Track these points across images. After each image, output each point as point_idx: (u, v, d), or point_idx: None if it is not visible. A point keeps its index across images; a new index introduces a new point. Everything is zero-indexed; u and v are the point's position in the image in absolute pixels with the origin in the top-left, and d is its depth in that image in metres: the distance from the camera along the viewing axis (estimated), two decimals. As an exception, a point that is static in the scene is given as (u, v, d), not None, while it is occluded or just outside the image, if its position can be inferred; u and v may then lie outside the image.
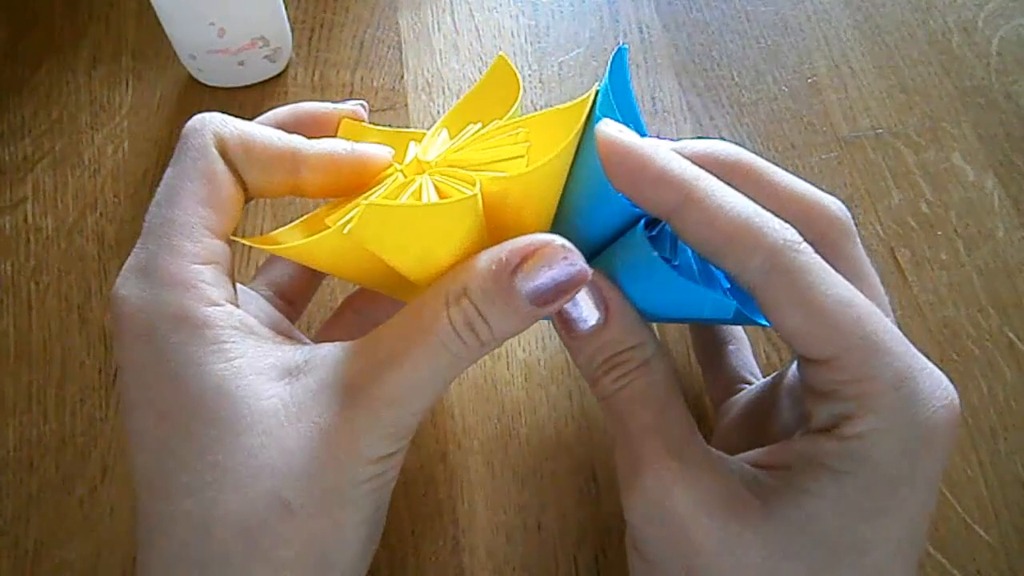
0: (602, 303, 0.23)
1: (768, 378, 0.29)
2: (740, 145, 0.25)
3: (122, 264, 0.23)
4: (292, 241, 0.24)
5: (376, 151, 0.25)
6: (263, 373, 0.22)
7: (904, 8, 0.44)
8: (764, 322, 0.23)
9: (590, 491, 0.32)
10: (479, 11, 0.44)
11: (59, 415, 0.33)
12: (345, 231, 0.21)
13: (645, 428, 0.23)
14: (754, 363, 0.32)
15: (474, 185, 0.22)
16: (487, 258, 0.22)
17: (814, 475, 0.21)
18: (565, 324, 0.24)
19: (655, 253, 0.22)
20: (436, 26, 0.44)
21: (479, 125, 0.26)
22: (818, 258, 0.21)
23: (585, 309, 0.23)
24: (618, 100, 0.24)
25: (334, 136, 0.27)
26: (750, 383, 0.31)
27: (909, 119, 0.41)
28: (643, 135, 0.23)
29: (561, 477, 0.32)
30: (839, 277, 0.21)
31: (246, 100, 0.41)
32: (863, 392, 0.21)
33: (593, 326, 0.23)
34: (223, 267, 0.23)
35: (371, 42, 0.43)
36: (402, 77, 0.42)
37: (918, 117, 0.41)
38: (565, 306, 0.23)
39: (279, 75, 0.42)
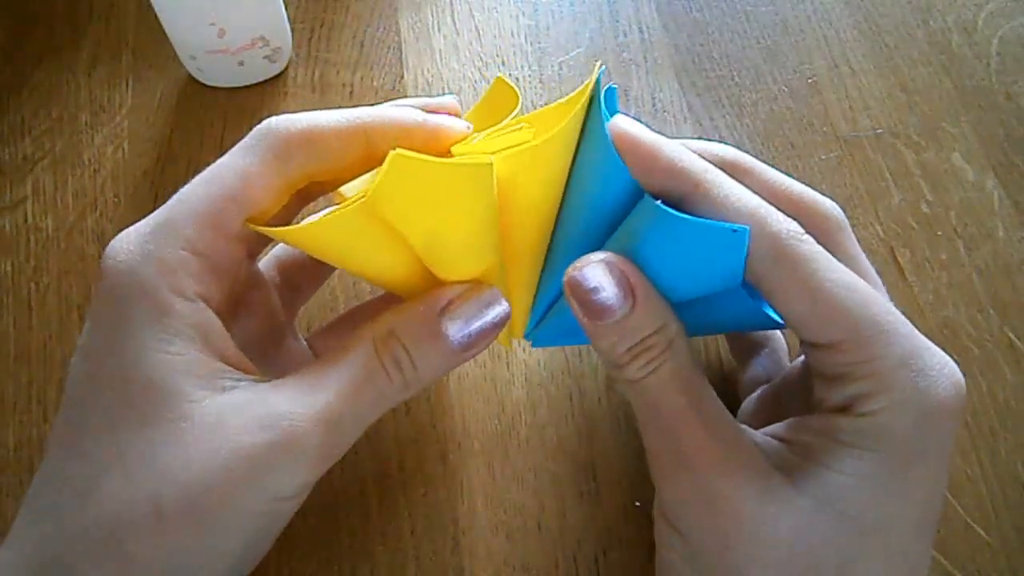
0: (628, 289, 0.23)
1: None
2: (740, 145, 0.25)
3: None
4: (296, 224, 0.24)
5: (450, 123, 0.25)
6: (199, 377, 0.21)
7: (904, 8, 0.44)
8: (776, 316, 0.24)
9: (590, 491, 0.32)
10: (479, 11, 0.44)
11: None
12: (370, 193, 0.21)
13: (680, 412, 0.23)
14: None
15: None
16: (414, 301, 0.23)
17: (835, 453, 0.22)
18: (590, 312, 0.23)
19: (658, 202, 0.22)
20: (436, 26, 0.44)
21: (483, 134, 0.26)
22: (820, 247, 0.22)
23: (612, 296, 0.23)
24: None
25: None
26: None
27: (909, 119, 0.41)
28: None
29: (561, 477, 0.32)
30: (841, 264, 0.22)
31: (246, 100, 0.41)
32: (874, 371, 0.21)
33: (620, 313, 0.23)
34: (219, 262, 0.23)
35: (371, 42, 0.43)
36: (402, 77, 0.42)
37: (918, 117, 0.41)
38: (592, 295, 0.23)
39: (279, 75, 0.42)
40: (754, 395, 0.30)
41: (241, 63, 0.40)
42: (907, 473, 0.21)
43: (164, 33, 0.39)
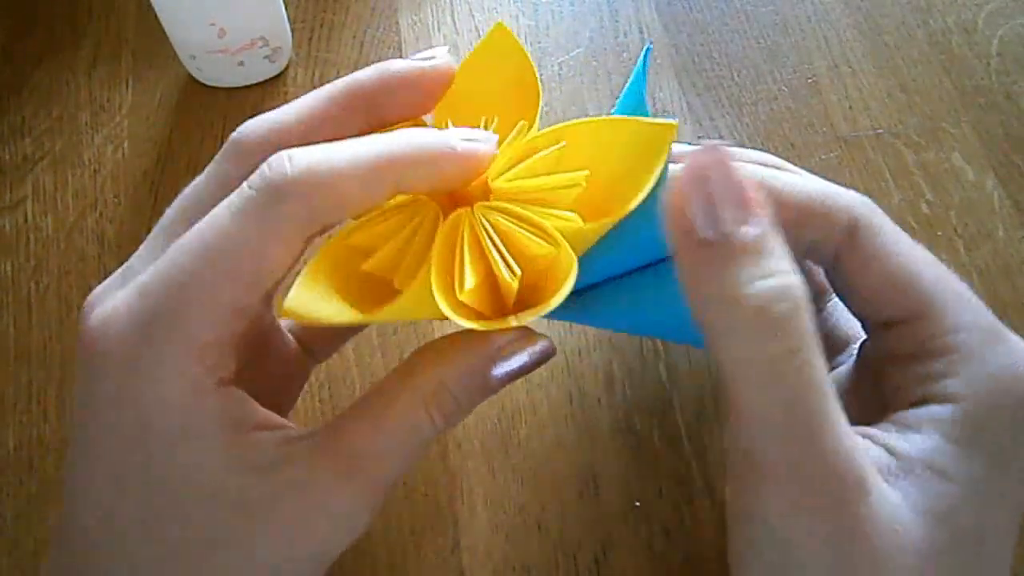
0: (752, 206, 0.18)
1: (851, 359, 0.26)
2: (740, 145, 0.25)
3: (121, 264, 0.22)
4: (337, 314, 0.20)
5: (482, 147, 0.21)
6: (235, 473, 0.19)
7: (904, 8, 0.44)
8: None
9: (590, 491, 0.32)
10: (479, 11, 0.44)
11: (59, 415, 0.33)
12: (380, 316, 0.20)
13: (815, 413, 0.18)
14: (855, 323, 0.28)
15: (529, 235, 0.21)
16: (465, 350, 0.21)
17: (936, 454, 0.19)
18: (717, 211, 0.18)
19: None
20: (436, 26, 0.44)
21: (496, 124, 0.23)
22: (891, 221, 0.22)
23: (752, 193, 0.18)
24: (631, 98, 0.24)
25: (425, 101, 0.23)
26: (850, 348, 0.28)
27: (909, 119, 0.41)
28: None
29: (561, 477, 0.32)
30: (912, 240, 0.22)
31: (246, 100, 0.41)
32: (958, 344, 0.19)
33: (751, 236, 0.17)
34: (239, 334, 0.20)
35: (371, 42, 0.43)
36: (402, 77, 0.42)
37: (918, 117, 0.41)
38: (698, 210, 0.18)
39: (279, 75, 0.42)
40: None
41: (241, 63, 0.40)
42: (1007, 472, 0.19)
43: (164, 33, 0.39)
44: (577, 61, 0.43)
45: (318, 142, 0.20)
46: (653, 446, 0.32)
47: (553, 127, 0.23)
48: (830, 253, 0.22)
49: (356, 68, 0.42)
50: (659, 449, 0.32)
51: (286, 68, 0.42)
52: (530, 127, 0.23)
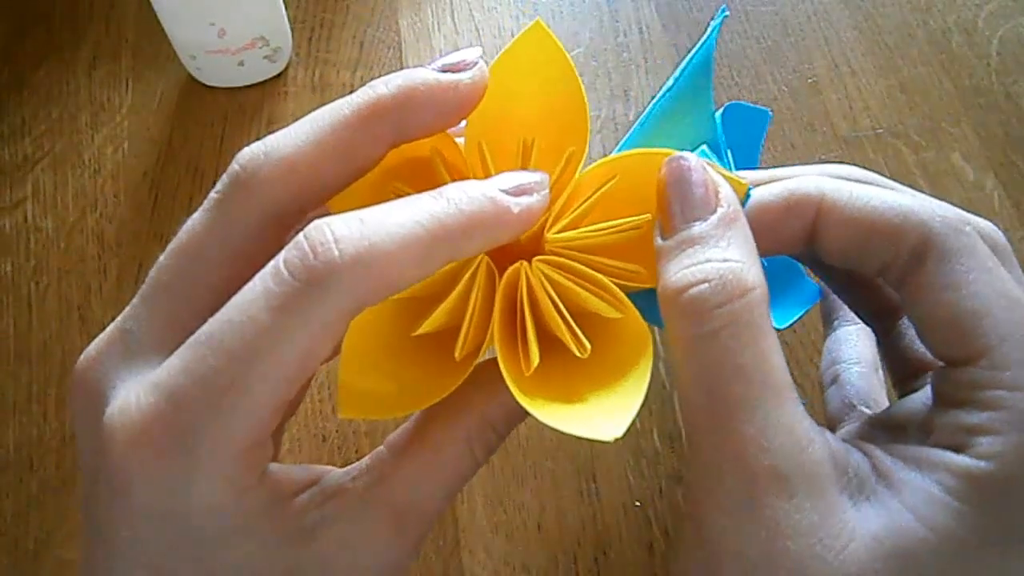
0: (713, 193, 0.19)
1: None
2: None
3: (121, 266, 0.21)
4: (398, 407, 0.20)
5: (537, 203, 0.18)
6: (285, 547, 0.19)
7: (904, 8, 0.44)
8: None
9: (590, 491, 0.32)
10: (479, 11, 0.44)
11: (59, 415, 0.33)
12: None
13: (734, 399, 0.17)
14: (879, 392, 0.27)
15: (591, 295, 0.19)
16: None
17: (925, 495, 0.17)
18: (670, 215, 0.19)
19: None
20: (436, 26, 0.44)
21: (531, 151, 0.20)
22: (982, 243, 0.19)
23: (702, 193, 0.18)
24: (693, 91, 0.22)
25: (453, 118, 0.20)
26: (862, 412, 0.26)
27: (909, 119, 0.41)
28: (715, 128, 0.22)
29: (561, 477, 0.32)
30: (1004, 271, 0.19)
31: (246, 100, 0.41)
32: (1010, 403, 0.17)
33: (695, 231, 0.18)
34: (279, 421, 0.18)
35: (371, 42, 0.43)
36: (402, 77, 0.42)
37: (918, 117, 0.41)
38: (675, 191, 0.19)
39: (279, 75, 0.42)
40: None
41: (241, 63, 0.40)
42: (1007, 553, 0.17)
43: (164, 33, 0.39)
44: (577, 61, 0.43)
45: (331, 171, 0.18)
46: (653, 446, 0.32)
47: (606, 160, 0.20)
48: (895, 276, 0.19)
49: (356, 68, 0.42)
50: (659, 449, 0.32)
51: (286, 68, 0.42)
52: (579, 159, 0.20)
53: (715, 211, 0.18)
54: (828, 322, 0.30)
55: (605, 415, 0.18)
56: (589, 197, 0.20)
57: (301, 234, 0.16)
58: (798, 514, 0.17)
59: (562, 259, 0.19)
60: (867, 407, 0.26)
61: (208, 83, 0.41)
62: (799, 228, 0.20)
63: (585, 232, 0.19)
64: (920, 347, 0.24)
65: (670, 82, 0.21)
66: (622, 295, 0.19)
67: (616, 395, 0.19)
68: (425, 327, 0.19)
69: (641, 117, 0.22)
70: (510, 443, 0.32)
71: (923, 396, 0.21)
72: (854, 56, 0.43)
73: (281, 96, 0.41)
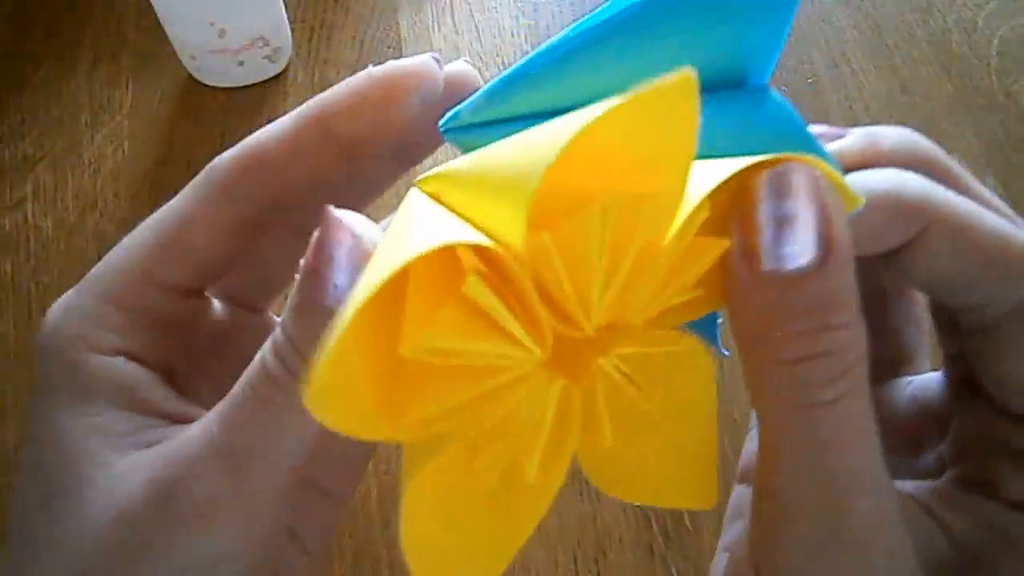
0: (822, 233, 0.13)
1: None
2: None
3: None
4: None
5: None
6: (117, 435, 0.18)
7: (904, 8, 0.44)
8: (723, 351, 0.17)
9: (590, 491, 0.32)
10: (479, 11, 0.44)
11: (59, 415, 0.33)
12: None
13: (855, 473, 0.15)
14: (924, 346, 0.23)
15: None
16: None
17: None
18: (748, 254, 0.14)
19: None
20: (436, 26, 0.44)
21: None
22: None
23: (796, 236, 0.14)
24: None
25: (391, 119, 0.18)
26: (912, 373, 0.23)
27: (909, 119, 0.41)
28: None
29: (561, 477, 0.32)
30: None
31: (246, 100, 0.41)
32: None
33: (802, 266, 0.13)
34: (155, 314, 0.20)
35: (371, 42, 0.43)
36: (402, 77, 0.42)
37: (918, 117, 0.41)
38: (764, 227, 0.14)
39: (279, 75, 0.42)
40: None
41: (241, 63, 0.40)
42: None
43: (164, 33, 0.39)
44: (577, 61, 0.43)
45: (299, 169, 0.19)
46: (653, 446, 0.32)
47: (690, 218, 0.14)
48: (987, 322, 0.17)
49: (356, 68, 0.42)
50: (659, 449, 0.32)
51: (286, 68, 0.42)
52: (651, 255, 0.14)
53: (831, 253, 0.14)
54: None
55: (688, 477, 0.16)
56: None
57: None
58: None
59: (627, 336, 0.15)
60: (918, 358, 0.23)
61: (208, 83, 0.41)
62: (895, 243, 0.16)
63: (662, 304, 0.15)
64: (909, 334, 0.22)
65: None
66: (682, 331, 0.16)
67: (689, 445, 0.16)
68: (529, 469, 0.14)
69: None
70: (510, 443, 0.33)
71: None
72: (854, 56, 0.43)
73: (281, 96, 0.41)
